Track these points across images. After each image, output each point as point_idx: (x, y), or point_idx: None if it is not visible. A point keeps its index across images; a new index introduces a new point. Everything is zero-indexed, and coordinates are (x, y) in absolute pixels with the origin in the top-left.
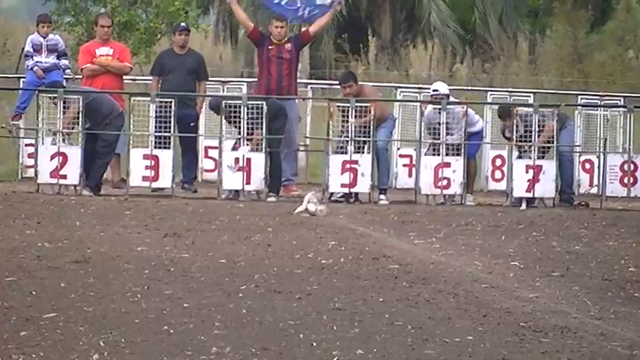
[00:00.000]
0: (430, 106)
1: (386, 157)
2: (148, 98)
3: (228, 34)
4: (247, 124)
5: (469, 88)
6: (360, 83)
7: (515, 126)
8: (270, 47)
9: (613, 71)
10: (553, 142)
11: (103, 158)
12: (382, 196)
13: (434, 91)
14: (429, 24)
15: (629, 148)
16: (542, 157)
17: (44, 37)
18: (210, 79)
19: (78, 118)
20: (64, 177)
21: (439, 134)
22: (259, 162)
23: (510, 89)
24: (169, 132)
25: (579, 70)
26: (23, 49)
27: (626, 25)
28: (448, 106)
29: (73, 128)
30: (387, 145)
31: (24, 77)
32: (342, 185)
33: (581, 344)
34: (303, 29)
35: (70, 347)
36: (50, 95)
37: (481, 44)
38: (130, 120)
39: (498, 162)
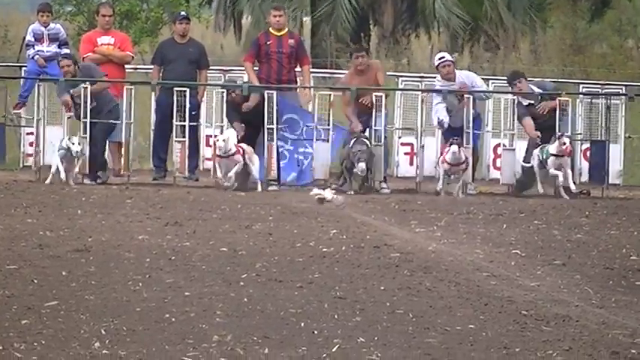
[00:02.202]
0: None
1: (386, 145)
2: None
3: (229, 23)
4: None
5: None
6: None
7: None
8: (268, 42)
9: (613, 61)
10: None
11: (95, 148)
12: (383, 185)
13: (440, 59)
14: (432, 13)
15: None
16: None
17: (45, 27)
18: (211, 67)
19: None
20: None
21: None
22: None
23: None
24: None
25: (580, 60)
26: (24, 38)
27: (625, 14)
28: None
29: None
30: (387, 134)
31: (25, 66)
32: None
33: (583, 333)
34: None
35: (71, 336)
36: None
37: (486, 34)
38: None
39: (500, 150)
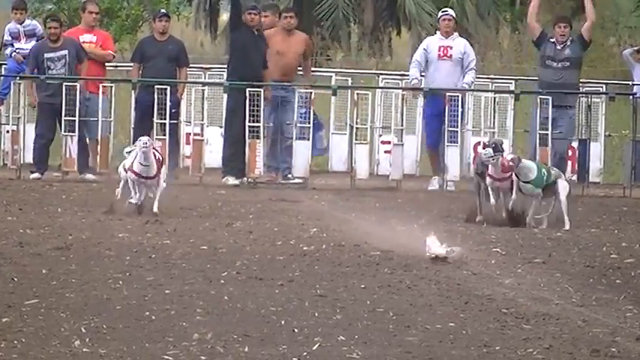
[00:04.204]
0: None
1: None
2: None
3: (209, 21)
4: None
5: None
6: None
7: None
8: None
9: (595, 58)
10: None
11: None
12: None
13: (442, 12)
14: (404, 10)
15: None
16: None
17: (20, 24)
18: (191, 65)
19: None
20: None
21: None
22: None
23: (492, 76)
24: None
25: None
26: (3, 37)
27: (607, 12)
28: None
29: None
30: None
31: (5, 64)
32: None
33: (563, 331)
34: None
35: (51, 333)
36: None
37: (467, 31)
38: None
39: (479, 148)
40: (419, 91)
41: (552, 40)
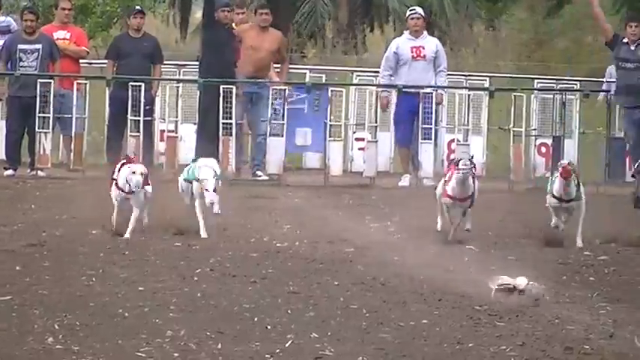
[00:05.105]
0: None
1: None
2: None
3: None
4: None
5: None
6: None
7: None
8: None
9: (572, 55)
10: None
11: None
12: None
13: (410, 11)
14: (386, 7)
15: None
16: None
17: None
18: (165, 62)
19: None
20: None
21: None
22: None
23: (466, 73)
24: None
25: (539, 55)
26: None
27: (584, 9)
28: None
29: None
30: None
31: None
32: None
33: (536, 328)
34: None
35: (24, 330)
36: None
37: (438, 28)
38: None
39: (454, 146)
40: (387, 105)
41: (625, 41)
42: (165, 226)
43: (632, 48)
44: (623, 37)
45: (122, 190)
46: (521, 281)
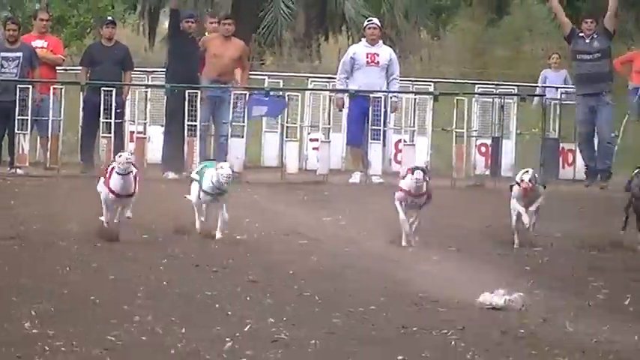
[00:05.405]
0: None
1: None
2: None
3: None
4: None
5: None
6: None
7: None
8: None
9: (510, 62)
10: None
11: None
12: None
13: (368, 21)
14: (341, 16)
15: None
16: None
17: None
18: (135, 69)
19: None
20: None
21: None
22: None
23: (412, 79)
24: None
25: (480, 62)
26: None
27: (522, 22)
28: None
29: None
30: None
31: None
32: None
33: (475, 314)
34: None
35: (2, 315)
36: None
37: (390, 36)
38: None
39: (401, 146)
40: (342, 105)
41: (581, 34)
42: (137, 220)
43: (587, 41)
44: (580, 32)
45: (113, 193)
46: (498, 299)
